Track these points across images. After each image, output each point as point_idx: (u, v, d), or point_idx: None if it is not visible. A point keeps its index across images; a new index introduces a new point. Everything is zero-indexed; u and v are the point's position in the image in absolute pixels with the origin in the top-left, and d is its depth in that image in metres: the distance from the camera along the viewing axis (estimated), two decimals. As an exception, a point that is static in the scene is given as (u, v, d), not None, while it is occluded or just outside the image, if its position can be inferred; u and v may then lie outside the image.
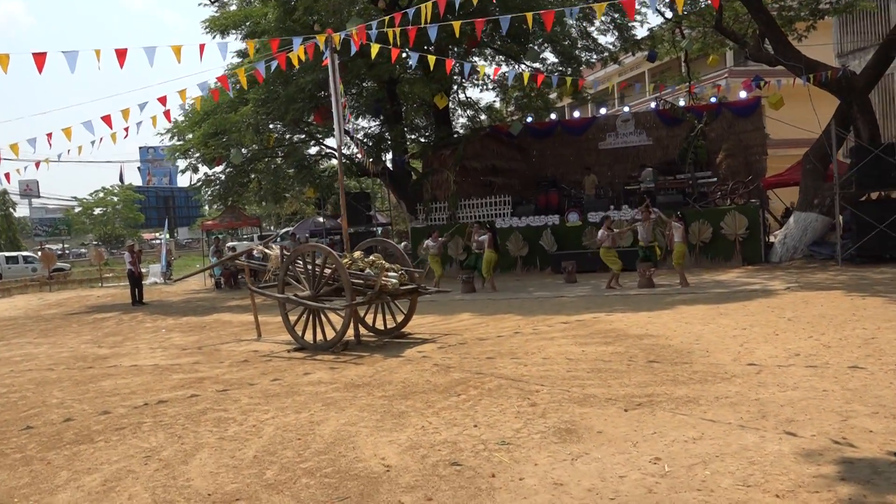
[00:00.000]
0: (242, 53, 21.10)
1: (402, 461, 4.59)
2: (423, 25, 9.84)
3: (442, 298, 13.81)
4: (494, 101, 27.98)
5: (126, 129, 11.60)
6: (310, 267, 9.49)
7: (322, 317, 9.47)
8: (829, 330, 8.22)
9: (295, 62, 10.84)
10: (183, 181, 35.79)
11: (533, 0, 17.64)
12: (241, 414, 6.10)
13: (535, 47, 20.96)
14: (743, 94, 21.21)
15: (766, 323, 9.02)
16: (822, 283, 12.83)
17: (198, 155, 22.14)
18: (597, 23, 21.59)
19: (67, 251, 60.70)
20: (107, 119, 10.96)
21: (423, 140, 24.95)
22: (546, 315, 11.08)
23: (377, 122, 24.49)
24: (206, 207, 40.71)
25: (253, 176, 23.69)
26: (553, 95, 23.55)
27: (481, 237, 15.74)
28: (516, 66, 21.71)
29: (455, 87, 23.49)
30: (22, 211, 59.17)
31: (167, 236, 31.19)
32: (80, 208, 63.17)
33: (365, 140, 23.45)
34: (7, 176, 14.17)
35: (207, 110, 20.21)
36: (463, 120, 25.68)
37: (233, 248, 26.94)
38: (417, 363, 7.89)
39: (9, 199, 51.74)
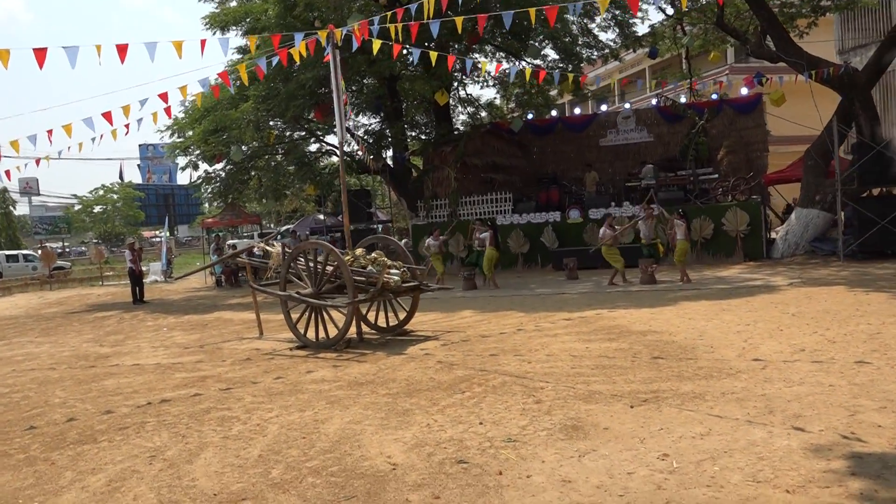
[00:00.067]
0: (243, 50, 21.06)
1: (408, 459, 4.57)
2: (425, 21, 9.79)
3: (444, 296, 13.80)
4: (495, 98, 27.97)
5: (127, 126, 11.52)
6: (311, 264, 9.47)
7: (324, 314, 9.45)
8: (834, 325, 8.19)
9: (296, 58, 10.79)
10: (183, 179, 35.68)
11: None
12: (244, 413, 6.07)
13: (536, 44, 20.91)
14: (744, 91, 21.22)
15: (769, 318, 8.99)
16: (825, 279, 12.80)
17: (198, 152, 22.06)
18: (598, 19, 21.53)
19: (68, 249, 60.66)
20: (107, 116, 10.89)
21: (423, 137, 24.91)
22: (548, 312, 11.06)
23: (378, 119, 24.42)
24: (207, 205, 40.69)
25: (253, 173, 23.62)
26: (554, 92, 23.50)
27: (482, 234, 15.74)
28: (517, 63, 21.65)
29: (456, 84, 23.44)
30: (22, 209, 59.34)
31: (167, 234, 31.12)
32: (80, 206, 63.10)
33: (365, 137, 23.39)
34: (7, 173, 14.22)
35: (208, 107, 20.15)
36: (463, 117, 25.66)
37: (233, 246, 26.88)
38: (421, 361, 7.86)
39: (9, 198, 51.72)
